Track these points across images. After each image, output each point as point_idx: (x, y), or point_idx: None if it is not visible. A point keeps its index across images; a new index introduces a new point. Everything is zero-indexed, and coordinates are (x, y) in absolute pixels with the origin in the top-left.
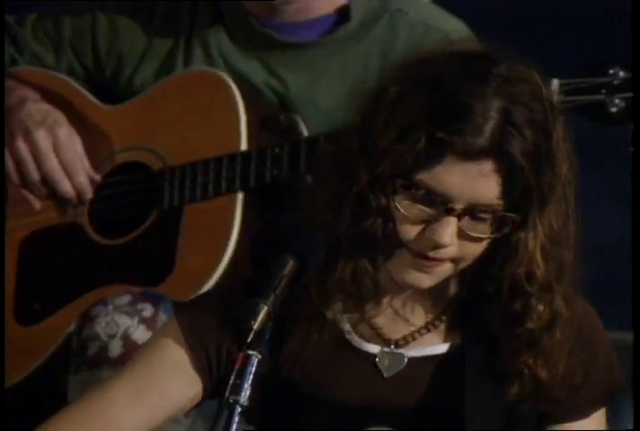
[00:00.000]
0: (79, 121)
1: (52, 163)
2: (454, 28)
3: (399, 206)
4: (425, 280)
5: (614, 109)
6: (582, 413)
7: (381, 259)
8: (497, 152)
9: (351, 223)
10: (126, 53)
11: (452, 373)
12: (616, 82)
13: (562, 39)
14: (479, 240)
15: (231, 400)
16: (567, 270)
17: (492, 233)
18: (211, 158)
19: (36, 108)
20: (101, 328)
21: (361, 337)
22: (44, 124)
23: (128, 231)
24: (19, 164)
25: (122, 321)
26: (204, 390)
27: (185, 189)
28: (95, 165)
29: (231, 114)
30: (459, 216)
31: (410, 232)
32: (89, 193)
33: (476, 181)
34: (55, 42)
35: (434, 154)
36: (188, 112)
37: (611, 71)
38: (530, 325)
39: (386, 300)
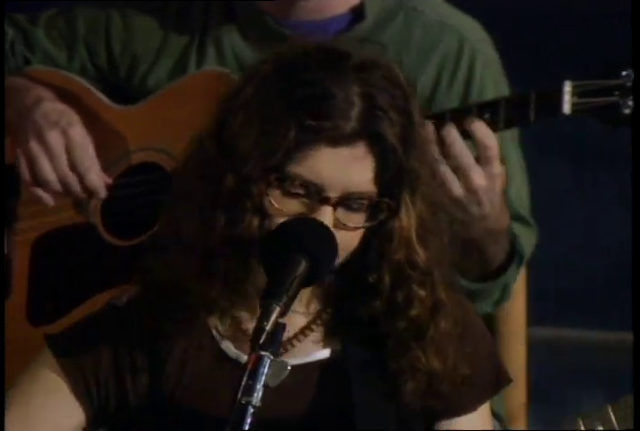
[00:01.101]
0: (92, 122)
1: (63, 164)
2: (469, 27)
3: (273, 202)
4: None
5: (627, 111)
6: (469, 407)
7: (255, 262)
8: (368, 134)
9: (225, 228)
10: (140, 53)
11: (337, 379)
12: (629, 83)
13: (575, 41)
14: (355, 229)
15: (243, 401)
16: (445, 258)
17: (367, 221)
18: None
19: (52, 107)
20: None
21: (240, 348)
22: (58, 124)
23: (141, 231)
24: (32, 164)
25: None
26: (87, 417)
27: None
28: (109, 166)
29: None
30: (335, 206)
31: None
32: (101, 193)
33: (350, 167)
34: (68, 41)
35: (305, 144)
36: (201, 113)
37: (624, 73)
38: (414, 312)
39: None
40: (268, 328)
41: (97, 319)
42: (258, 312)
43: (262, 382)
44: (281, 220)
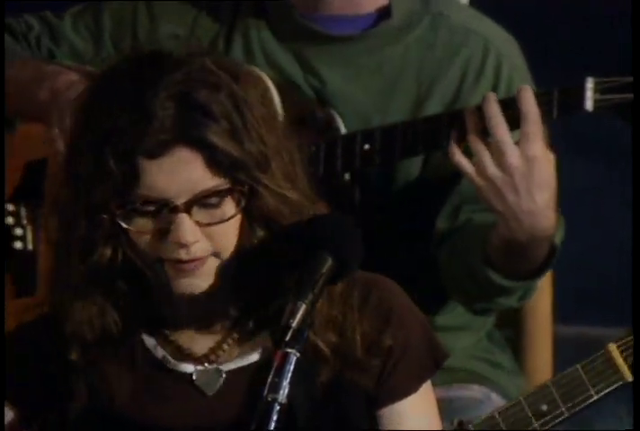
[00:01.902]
0: None
1: None
2: (494, 32)
3: (127, 226)
4: (198, 284)
5: None
6: (409, 388)
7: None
8: (179, 137)
9: (82, 260)
10: (166, 47)
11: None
12: None
13: (598, 38)
14: (219, 223)
15: (269, 399)
16: None
17: (230, 213)
18: None
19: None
20: None
21: (174, 358)
22: None
23: None
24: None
25: None
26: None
27: None
28: None
29: None
30: (187, 211)
31: (153, 243)
32: None
33: (180, 172)
34: (94, 34)
35: (127, 167)
36: None
37: None
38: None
39: (182, 318)
40: (294, 325)
41: (13, 337)
42: (180, 324)
43: (288, 380)
44: (145, 240)
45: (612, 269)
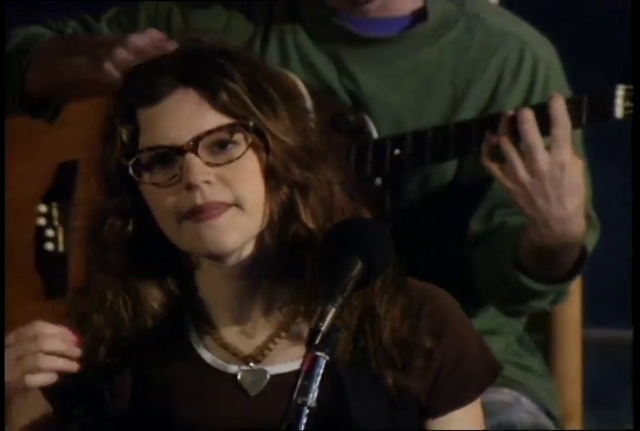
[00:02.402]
0: None
1: None
2: (530, 35)
3: (142, 180)
4: (225, 236)
5: None
6: (464, 398)
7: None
8: (179, 78)
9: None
10: None
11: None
12: None
13: (628, 46)
14: (230, 163)
15: (299, 402)
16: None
17: (240, 152)
18: None
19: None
20: None
21: (219, 358)
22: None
23: None
24: None
25: None
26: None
27: None
28: None
29: None
30: (193, 151)
31: (168, 197)
32: None
33: (178, 112)
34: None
35: (130, 119)
36: None
37: None
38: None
39: (227, 316)
40: (323, 329)
41: None
42: (226, 323)
43: (317, 383)
44: (161, 194)
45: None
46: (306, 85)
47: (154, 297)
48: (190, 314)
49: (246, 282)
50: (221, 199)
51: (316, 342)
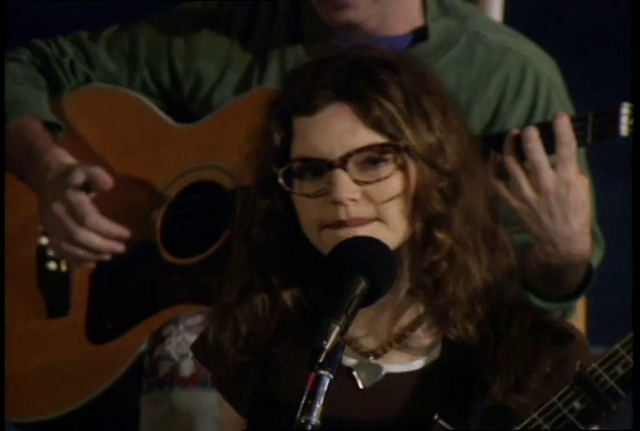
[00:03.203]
0: (151, 140)
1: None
2: (532, 52)
3: (293, 189)
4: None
5: None
6: None
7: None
8: (337, 92)
9: (260, 237)
10: (204, 72)
11: (431, 389)
12: None
13: (630, 63)
14: (378, 181)
15: (303, 421)
16: (480, 229)
17: (389, 171)
18: None
19: (51, 180)
20: (172, 348)
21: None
22: (55, 196)
23: (200, 250)
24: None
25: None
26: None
27: None
28: (167, 184)
29: None
30: (343, 167)
31: (314, 207)
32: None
33: (335, 127)
34: (130, 60)
35: (284, 126)
36: None
37: None
38: (435, 257)
39: (358, 315)
40: (327, 347)
41: None
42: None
43: (321, 402)
44: (309, 203)
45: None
46: None
47: (290, 296)
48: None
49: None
50: (364, 216)
51: (320, 361)
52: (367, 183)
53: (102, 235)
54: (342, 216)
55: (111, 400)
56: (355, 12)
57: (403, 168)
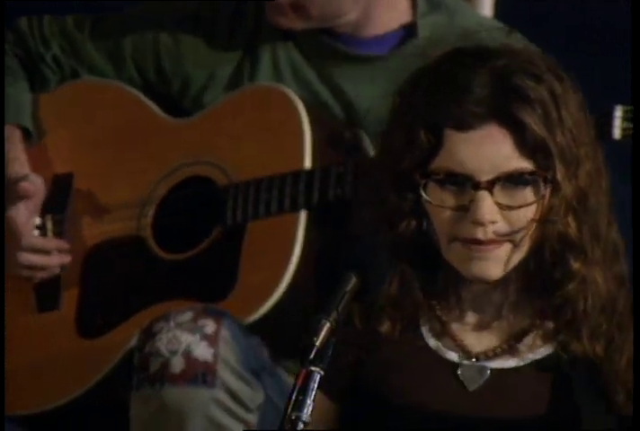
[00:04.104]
0: (145, 134)
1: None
2: (523, 47)
3: (428, 198)
4: (492, 268)
5: None
6: None
7: (444, 265)
8: (492, 113)
9: (389, 231)
10: (192, 72)
11: (541, 385)
12: None
13: (627, 67)
14: (519, 208)
15: (293, 417)
16: (603, 239)
17: (531, 198)
18: (276, 175)
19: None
20: (162, 344)
21: (445, 347)
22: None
23: (191, 245)
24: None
25: (184, 337)
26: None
27: (249, 206)
28: (161, 178)
29: (296, 131)
30: (489, 189)
31: (450, 220)
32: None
33: (487, 148)
34: (115, 56)
35: (435, 137)
36: (253, 128)
37: None
38: (570, 285)
39: (469, 312)
40: (318, 344)
41: None
42: (464, 317)
43: (312, 398)
44: (443, 215)
45: None
46: (303, 101)
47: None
48: (433, 305)
49: (499, 294)
50: (501, 237)
51: (311, 357)
52: (509, 207)
53: (40, 253)
54: (481, 236)
55: (101, 394)
56: (286, 20)
57: (543, 195)
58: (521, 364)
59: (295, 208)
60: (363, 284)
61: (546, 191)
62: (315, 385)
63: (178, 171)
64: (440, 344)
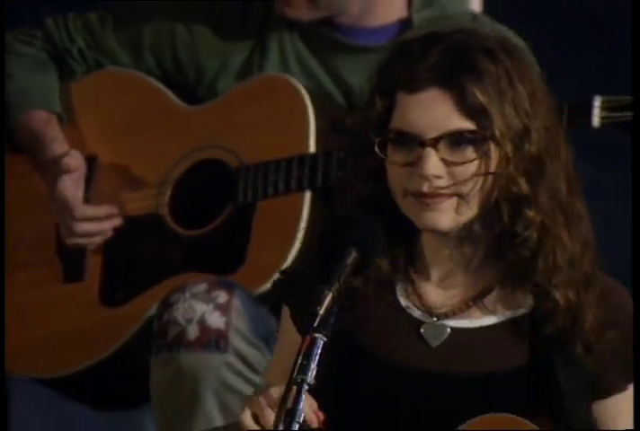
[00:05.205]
0: (163, 120)
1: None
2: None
3: (382, 155)
4: (442, 219)
5: None
6: (620, 384)
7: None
8: (438, 77)
9: (354, 190)
10: (205, 61)
11: (502, 342)
12: None
13: (604, 61)
14: (463, 164)
15: (299, 380)
16: (565, 204)
17: (474, 155)
18: (283, 158)
19: (49, 169)
20: (179, 313)
21: (413, 305)
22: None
23: (206, 223)
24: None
25: (199, 307)
26: None
27: (258, 186)
28: (177, 161)
29: (301, 118)
30: (434, 146)
31: (402, 176)
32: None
33: (431, 109)
34: (135, 47)
35: (388, 99)
36: (262, 114)
37: None
38: (527, 232)
39: (433, 272)
40: (321, 312)
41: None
42: (429, 277)
43: (315, 362)
44: (398, 171)
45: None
46: (308, 91)
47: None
48: (405, 266)
49: (460, 252)
50: (445, 191)
51: (315, 325)
52: (453, 163)
53: (94, 221)
54: (425, 189)
55: (122, 359)
56: (294, 10)
57: (487, 152)
58: (484, 323)
59: (300, 189)
60: (362, 258)
61: (490, 149)
62: (319, 351)
63: (193, 155)
64: (409, 303)
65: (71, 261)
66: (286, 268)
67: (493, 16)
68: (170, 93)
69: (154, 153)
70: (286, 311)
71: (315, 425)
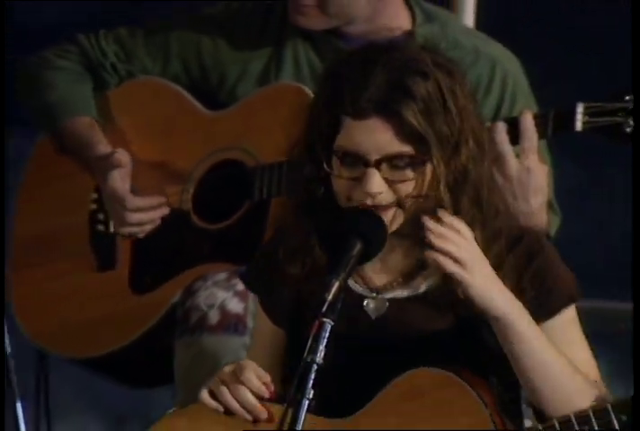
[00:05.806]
0: (187, 124)
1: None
2: (501, 54)
3: (329, 170)
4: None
5: (628, 130)
6: (554, 307)
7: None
8: (378, 108)
9: (304, 193)
10: (227, 68)
11: (432, 311)
12: (630, 107)
13: (588, 69)
14: (402, 182)
15: (309, 359)
16: (484, 202)
17: (412, 175)
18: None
19: (97, 167)
20: (201, 300)
21: (357, 284)
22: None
23: (225, 217)
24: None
25: (220, 294)
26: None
27: (272, 184)
28: (199, 162)
29: None
30: (377, 167)
31: (347, 187)
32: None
33: (375, 135)
34: (164, 56)
35: (335, 122)
36: (277, 119)
37: (627, 97)
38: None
39: (376, 259)
40: (330, 298)
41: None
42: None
43: (324, 344)
44: (343, 185)
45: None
46: None
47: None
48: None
49: (395, 241)
50: (386, 204)
51: (323, 310)
52: (394, 181)
53: (145, 210)
54: (369, 203)
55: (148, 342)
56: (306, 19)
57: (423, 172)
58: (412, 294)
59: None
60: (366, 248)
61: (426, 170)
62: (327, 334)
63: (214, 156)
64: (355, 282)
65: (103, 252)
66: (251, 261)
67: (483, 29)
68: (193, 100)
69: (178, 155)
70: (256, 298)
71: (266, 395)
